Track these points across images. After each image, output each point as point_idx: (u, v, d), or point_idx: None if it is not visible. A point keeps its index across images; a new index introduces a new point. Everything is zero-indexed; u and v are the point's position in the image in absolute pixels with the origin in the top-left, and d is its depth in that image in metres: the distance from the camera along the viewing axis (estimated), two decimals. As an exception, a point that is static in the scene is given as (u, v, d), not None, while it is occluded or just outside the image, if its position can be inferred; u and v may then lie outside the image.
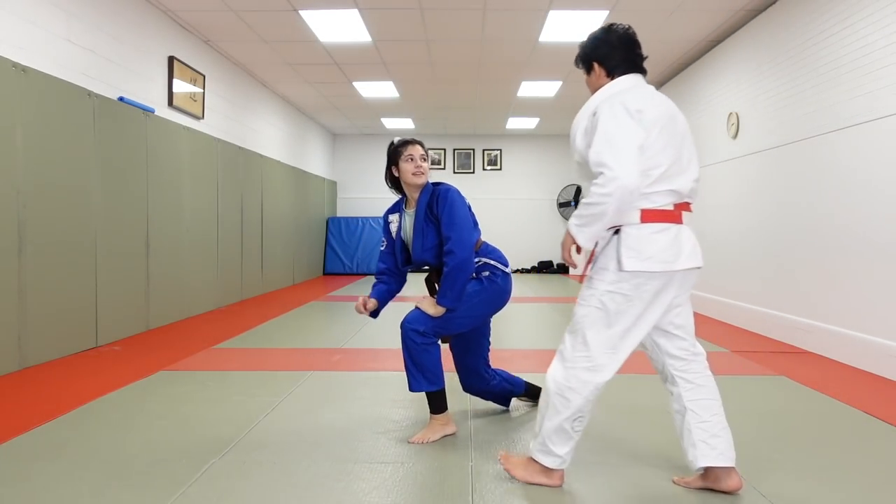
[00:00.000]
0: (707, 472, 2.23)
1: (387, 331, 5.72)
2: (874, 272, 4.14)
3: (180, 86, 6.29)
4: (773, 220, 5.47)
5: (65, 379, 3.84)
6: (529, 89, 9.18)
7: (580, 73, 2.40)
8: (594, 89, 2.31)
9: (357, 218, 12.71)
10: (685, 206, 2.20)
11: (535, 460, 2.28)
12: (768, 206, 5.56)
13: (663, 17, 6.05)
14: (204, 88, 6.85)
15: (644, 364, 4.37)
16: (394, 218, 2.97)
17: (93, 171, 4.81)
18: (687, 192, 2.19)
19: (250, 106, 8.43)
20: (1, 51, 3.95)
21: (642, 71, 2.31)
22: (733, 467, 2.22)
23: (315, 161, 11.87)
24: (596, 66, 2.30)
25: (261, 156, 8.62)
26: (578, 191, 13.19)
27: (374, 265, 13.10)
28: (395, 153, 2.89)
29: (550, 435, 2.22)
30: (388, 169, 2.93)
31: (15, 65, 4.01)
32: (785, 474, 2.41)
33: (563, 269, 13.25)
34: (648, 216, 2.13)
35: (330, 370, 4.10)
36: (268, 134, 9.17)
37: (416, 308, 2.75)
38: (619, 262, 2.13)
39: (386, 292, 2.95)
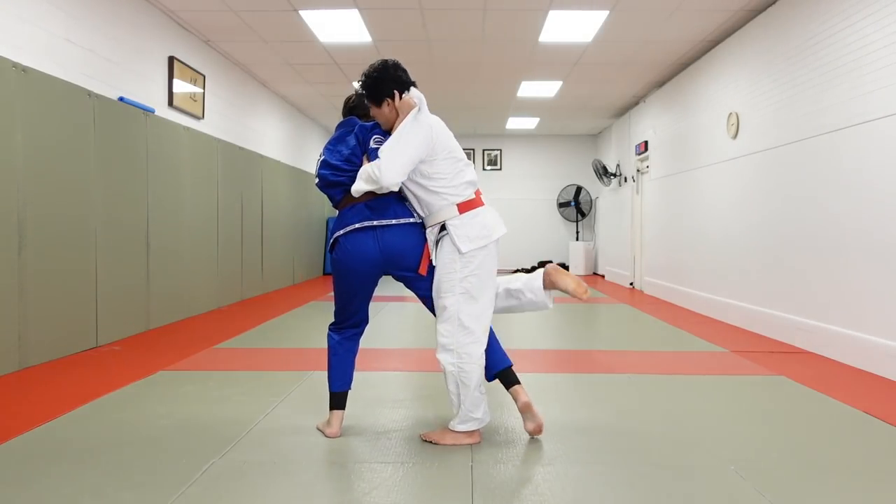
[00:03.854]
0: None
1: (387, 331, 5.73)
2: (874, 272, 4.15)
3: (180, 86, 6.29)
4: (772, 219, 5.47)
5: (65, 379, 3.84)
6: (529, 89, 9.17)
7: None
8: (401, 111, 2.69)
9: (357, 218, 12.69)
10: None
11: (457, 431, 2.67)
12: (768, 205, 5.56)
13: (663, 17, 6.05)
14: (204, 88, 6.86)
15: (644, 364, 4.38)
16: (381, 139, 2.80)
17: (93, 172, 4.81)
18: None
19: (250, 106, 8.43)
20: (1, 51, 3.95)
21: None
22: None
23: (315, 161, 11.88)
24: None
25: (261, 156, 8.62)
26: (578, 191, 13.19)
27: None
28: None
29: (470, 407, 2.62)
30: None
31: (15, 65, 4.01)
32: (784, 474, 2.41)
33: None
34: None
35: (330, 370, 4.09)
36: (268, 134, 9.17)
37: None
38: (457, 248, 2.59)
39: None
